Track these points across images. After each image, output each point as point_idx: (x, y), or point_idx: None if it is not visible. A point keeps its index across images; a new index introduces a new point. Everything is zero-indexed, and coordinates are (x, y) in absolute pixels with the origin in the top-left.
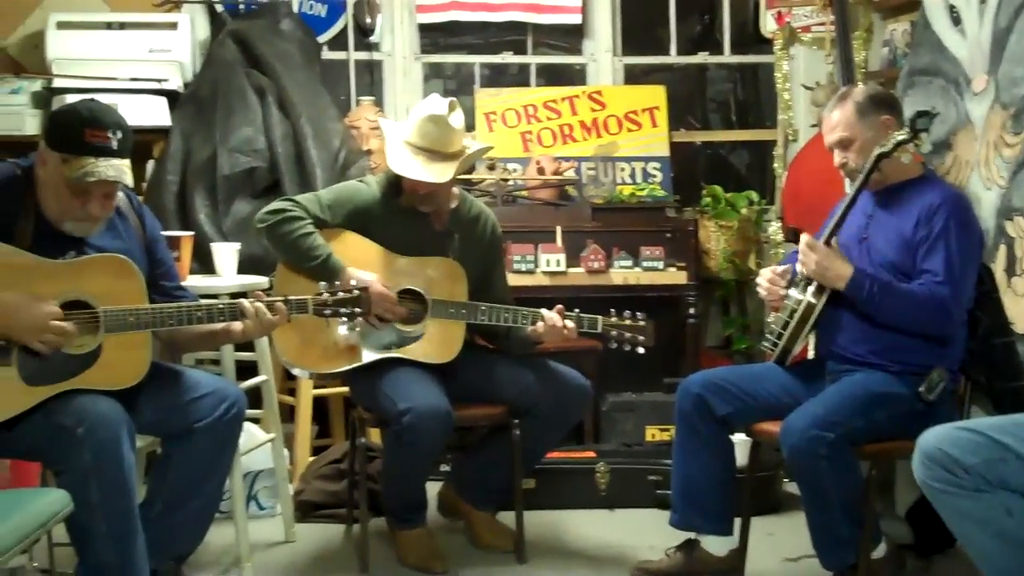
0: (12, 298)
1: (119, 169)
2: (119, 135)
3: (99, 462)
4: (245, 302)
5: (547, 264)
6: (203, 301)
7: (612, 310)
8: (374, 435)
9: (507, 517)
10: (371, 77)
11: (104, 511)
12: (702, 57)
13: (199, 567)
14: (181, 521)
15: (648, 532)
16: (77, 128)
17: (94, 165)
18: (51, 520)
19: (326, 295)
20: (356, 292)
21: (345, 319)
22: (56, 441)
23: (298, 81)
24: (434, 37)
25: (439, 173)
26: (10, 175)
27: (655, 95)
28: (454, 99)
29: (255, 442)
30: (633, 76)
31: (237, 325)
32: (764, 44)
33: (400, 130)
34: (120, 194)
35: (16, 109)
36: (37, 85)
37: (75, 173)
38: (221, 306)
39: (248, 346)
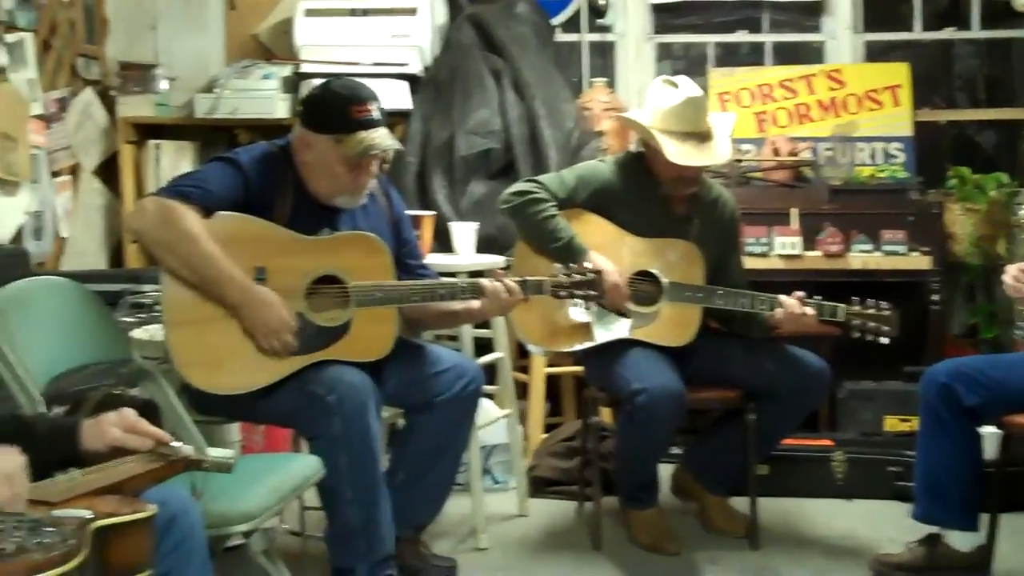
0: (269, 295)
1: (389, 136)
2: (376, 105)
3: (348, 430)
4: (485, 281)
5: (782, 247)
6: (444, 279)
7: (854, 298)
8: (605, 414)
9: (740, 502)
10: (603, 58)
11: (352, 477)
12: (948, 32)
13: (437, 536)
14: (421, 491)
15: (887, 524)
16: (343, 107)
17: (370, 138)
18: (304, 484)
19: (562, 277)
20: (591, 275)
21: (580, 300)
22: (309, 409)
23: (533, 63)
24: (663, 18)
25: (718, 152)
26: (271, 155)
27: (897, 73)
28: (681, 75)
29: (490, 417)
30: (874, 53)
31: (476, 304)
32: (1017, 18)
33: (649, 119)
34: None
35: (268, 94)
36: (287, 70)
37: (355, 149)
38: (462, 284)
39: (485, 323)
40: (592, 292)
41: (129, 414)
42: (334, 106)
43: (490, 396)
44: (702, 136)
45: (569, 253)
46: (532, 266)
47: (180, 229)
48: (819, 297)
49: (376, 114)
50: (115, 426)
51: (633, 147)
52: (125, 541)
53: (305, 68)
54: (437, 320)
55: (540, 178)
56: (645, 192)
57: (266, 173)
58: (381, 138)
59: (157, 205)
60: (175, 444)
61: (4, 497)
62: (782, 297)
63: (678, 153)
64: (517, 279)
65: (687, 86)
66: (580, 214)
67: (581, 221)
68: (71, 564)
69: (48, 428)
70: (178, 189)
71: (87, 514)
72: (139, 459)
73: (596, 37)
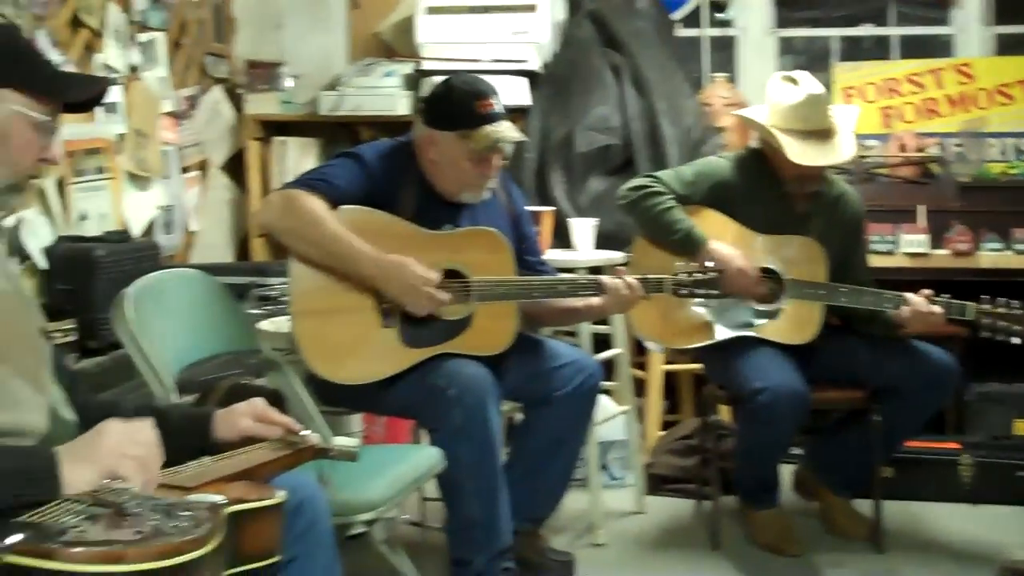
0: (403, 258)
1: (514, 128)
2: (497, 98)
3: (468, 423)
4: (605, 278)
5: (908, 245)
6: (564, 275)
7: (984, 297)
8: (724, 412)
9: (862, 504)
10: (724, 53)
11: (472, 469)
12: None
13: (555, 531)
14: (540, 485)
15: (1017, 530)
16: (468, 103)
17: (496, 131)
18: (426, 475)
19: (683, 275)
20: (713, 274)
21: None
22: (429, 401)
23: (653, 59)
24: (785, 11)
25: (841, 150)
26: (395, 150)
27: None
28: (801, 71)
29: (608, 413)
30: (1005, 46)
31: (596, 301)
32: None
33: (769, 117)
34: None
35: (390, 91)
36: (408, 68)
37: (483, 144)
38: (583, 281)
39: (603, 319)
40: (713, 291)
41: (259, 403)
42: (458, 103)
43: (607, 392)
44: (824, 133)
45: (689, 244)
46: (651, 262)
47: (305, 214)
48: (948, 296)
49: (499, 107)
50: (246, 416)
51: (753, 143)
52: (256, 526)
53: (426, 65)
54: (557, 317)
55: (658, 173)
56: (765, 188)
57: (390, 169)
58: (507, 130)
59: (282, 196)
60: (304, 432)
61: (140, 480)
62: (909, 295)
63: (800, 153)
64: (638, 276)
65: (808, 82)
66: (699, 210)
67: (700, 217)
68: (206, 548)
69: (181, 417)
70: (304, 182)
71: (220, 499)
72: (268, 447)
73: (717, 32)
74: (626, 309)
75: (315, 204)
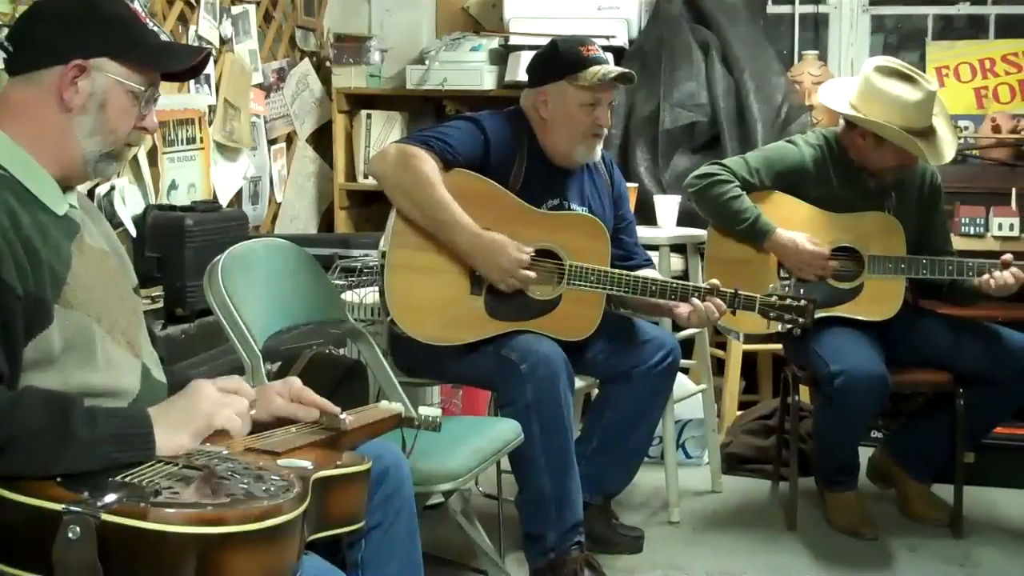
0: (498, 238)
1: (620, 67)
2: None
3: (539, 398)
4: (695, 299)
5: (999, 228)
6: (657, 277)
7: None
8: (803, 392)
9: (940, 490)
10: (815, 31)
11: (543, 445)
12: None
13: (628, 507)
14: (614, 459)
15: None
16: (573, 50)
17: (604, 69)
18: (505, 447)
19: (775, 298)
20: (804, 303)
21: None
22: (502, 374)
23: (742, 36)
24: None
25: (948, 148)
26: (510, 118)
27: None
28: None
29: (686, 392)
30: None
31: (681, 309)
32: None
33: (877, 110)
34: None
35: (476, 65)
36: (495, 43)
37: (592, 80)
38: (674, 286)
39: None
40: (800, 319)
41: (295, 383)
42: (564, 51)
43: (686, 371)
44: (931, 129)
45: (754, 234)
46: (725, 249)
47: (417, 173)
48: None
49: (602, 53)
50: (280, 395)
51: (834, 125)
52: (342, 493)
53: (513, 40)
54: (641, 308)
55: (725, 161)
56: (837, 170)
57: (506, 138)
58: (614, 68)
59: (399, 150)
60: (342, 416)
61: (237, 429)
62: (990, 262)
63: (932, 154)
64: (729, 291)
65: (920, 76)
66: (769, 194)
67: (771, 201)
68: (295, 512)
69: None
70: (422, 139)
71: (308, 465)
72: (301, 429)
73: (809, 9)
74: (710, 325)
75: (428, 166)
